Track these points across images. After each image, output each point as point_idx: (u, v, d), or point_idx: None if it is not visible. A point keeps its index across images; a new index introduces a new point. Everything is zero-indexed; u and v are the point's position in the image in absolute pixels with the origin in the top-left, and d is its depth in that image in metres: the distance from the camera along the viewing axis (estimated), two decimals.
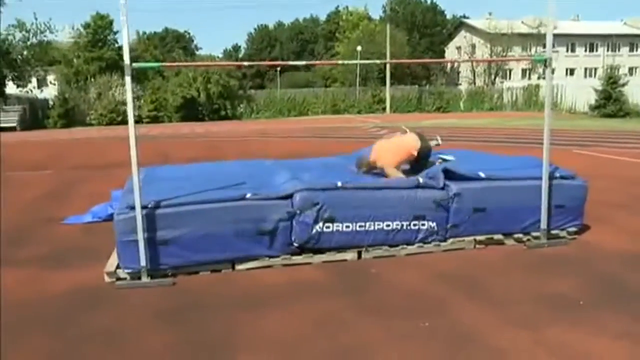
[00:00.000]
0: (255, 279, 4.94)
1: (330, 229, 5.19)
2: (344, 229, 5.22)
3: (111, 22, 47.89)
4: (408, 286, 4.71)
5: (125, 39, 4.51)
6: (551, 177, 5.65)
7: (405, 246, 5.44)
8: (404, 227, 5.38)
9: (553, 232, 5.77)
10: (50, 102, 37.23)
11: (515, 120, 27.35)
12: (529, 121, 26.06)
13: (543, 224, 5.62)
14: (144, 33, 63.09)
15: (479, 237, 5.63)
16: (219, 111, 37.53)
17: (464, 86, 48.82)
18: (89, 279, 4.98)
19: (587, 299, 4.31)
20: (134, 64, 4.62)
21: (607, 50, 55.46)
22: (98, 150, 17.83)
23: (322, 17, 73.18)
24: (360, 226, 5.26)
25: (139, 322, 4.07)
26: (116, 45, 49.30)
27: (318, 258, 5.25)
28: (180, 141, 20.70)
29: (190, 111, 36.97)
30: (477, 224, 5.56)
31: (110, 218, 6.01)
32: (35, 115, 35.33)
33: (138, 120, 35.73)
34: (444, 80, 51.12)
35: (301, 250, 5.23)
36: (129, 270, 4.85)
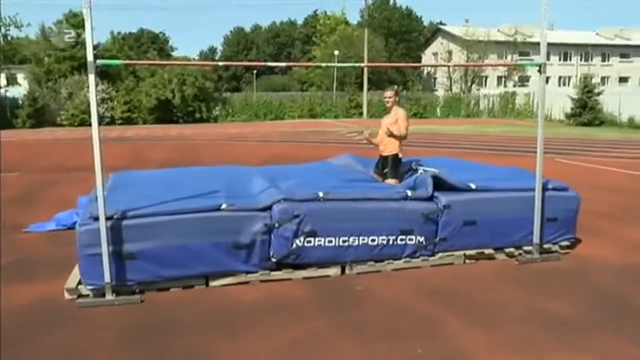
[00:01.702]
0: (231, 296, 4.56)
1: (312, 244, 4.83)
2: (326, 243, 4.87)
3: (84, 21, 46.86)
4: (394, 304, 4.39)
5: (88, 34, 4.10)
6: (544, 189, 5.38)
7: (391, 261, 5.11)
8: (391, 242, 5.05)
9: (545, 246, 5.50)
10: (20, 102, 36.14)
11: (492, 127, 27.34)
12: (506, 128, 26.09)
13: (535, 238, 5.35)
14: (119, 33, 61.94)
15: (469, 252, 5.33)
16: (193, 113, 36.83)
17: (440, 92, 48.90)
18: (49, 295, 4.55)
19: (585, 319, 4.04)
20: (98, 61, 4.21)
21: (580, 59, 56.17)
22: (68, 152, 17.20)
23: (300, 21, 72.91)
24: (343, 241, 4.92)
25: (98, 347, 3.66)
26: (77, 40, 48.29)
27: (298, 274, 4.89)
28: (154, 143, 20.14)
29: (164, 113, 36.21)
30: (467, 237, 5.26)
31: (75, 226, 5.56)
32: (3, 115, 34.21)
33: (111, 122, 35.19)
34: (421, 86, 51.15)
35: (280, 265, 4.86)
36: (92, 287, 4.43)
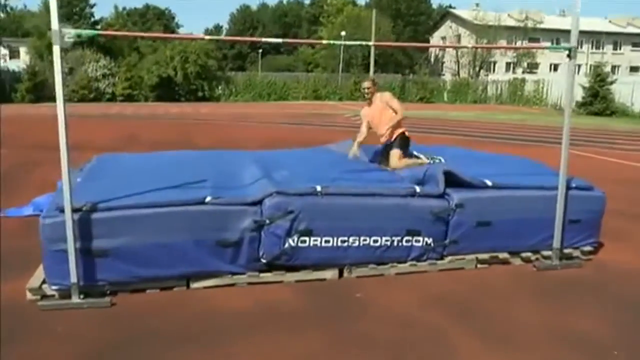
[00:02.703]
0: (214, 301, 4.05)
1: (307, 243, 4.30)
2: (323, 243, 4.34)
3: None
4: (398, 314, 3.89)
5: (52, 2, 3.51)
6: (567, 188, 4.83)
7: (395, 264, 4.58)
8: (395, 243, 4.52)
9: (565, 251, 4.96)
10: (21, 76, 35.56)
11: (500, 114, 26.69)
12: (514, 116, 25.46)
13: (556, 242, 4.81)
14: (124, 9, 61.07)
15: (481, 255, 4.80)
16: (196, 92, 36.26)
17: (447, 77, 48.11)
18: (9, 295, 4.03)
19: (621, 341, 3.51)
20: (65, 30, 3.65)
21: (592, 47, 55.11)
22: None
23: (307, 1, 71.76)
24: (342, 241, 4.38)
25: None
26: (92, 19, 47.67)
27: (291, 276, 4.37)
28: (152, 122, 19.59)
29: (166, 91, 35.63)
30: (481, 240, 4.73)
31: None
32: (2, 88, 33.66)
33: (112, 98, 34.65)
34: (427, 70, 50.38)
35: (271, 266, 4.34)
36: (57, 287, 3.92)
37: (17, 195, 7.26)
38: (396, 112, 5.90)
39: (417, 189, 4.66)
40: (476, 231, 4.69)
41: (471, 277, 4.64)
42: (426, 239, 4.60)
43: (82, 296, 3.91)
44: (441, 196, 4.65)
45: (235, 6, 77.43)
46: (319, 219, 4.31)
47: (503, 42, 49.26)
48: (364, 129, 6.19)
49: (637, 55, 56.06)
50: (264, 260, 4.29)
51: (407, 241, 4.55)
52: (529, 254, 4.92)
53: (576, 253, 5.04)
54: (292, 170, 5.15)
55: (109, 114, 23.39)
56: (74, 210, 3.84)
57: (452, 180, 4.75)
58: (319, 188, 4.38)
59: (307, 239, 4.30)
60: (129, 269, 4.02)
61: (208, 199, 4.17)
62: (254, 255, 4.27)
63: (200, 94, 36.35)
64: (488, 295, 4.28)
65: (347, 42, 5.05)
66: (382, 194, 4.54)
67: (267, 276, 4.33)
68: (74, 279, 3.84)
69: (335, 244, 4.38)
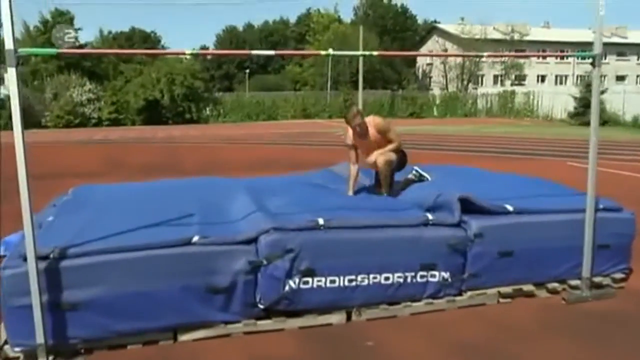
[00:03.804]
0: (206, 355, 3.52)
1: (309, 285, 3.78)
2: (328, 284, 3.82)
3: (72, 20, 45.79)
4: None
5: (6, 15, 3.01)
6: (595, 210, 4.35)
7: (409, 303, 4.07)
8: (408, 280, 4.00)
9: (595, 279, 4.47)
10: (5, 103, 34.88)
11: (492, 127, 26.36)
12: (506, 128, 25.11)
13: (585, 271, 4.32)
14: (110, 32, 60.60)
15: (503, 289, 4.29)
16: (183, 114, 35.69)
17: (436, 91, 47.94)
18: None
19: None
20: (21, 50, 3.14)
21: (577, 57, 55.32)
22: (44, 156, 16.02)
23: (293, 19, 71.74)
24: (349, 280, 3.87)
25: None
26: (77, 43, 47.15)
27: (293, 323, 3.83)
28: (138, 146, 19.02)
29: (153, 114, 35.04)
30: (503, 272, 4.22)
31: None
32: None
33: (98, 123, 34.01)
34: (416, 85, 50.17)
35: (270, 312, 3.81)
36: (21, 348, 3.37)
37: None
38: (392, 142, 5.31)
39: (430, 216, 4.17)
40: (498, 262, 4.19)
41: (494, 315, 4.13)
42: (442, 273, 4.09)
43: (51, 357, 3.36)
44: (457, 225, 4.16)
45: (221, 27, 77.21)
46: (323, 257, 3.80)
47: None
48: (354, 168, 5.37)
49: (622, 65, 56.30)
50: (261, 306, 3.76)
51: (421, 277, 4.04)
52: (555, 284, 4.42)
53: (607, 281, 4.55)
54: (289, 198, 4.66)
55: (94, 139, 22.80)
56: (40, 258, 3.31)
57: (468, 207, 4.26)
58: (321, 221, 3.87)
59: (309, 279, 3.78)
60: (106, 323, 3.48)
61: (195, 238, 3.64)
62: (250, 301, 3.74)
63: (187, 116, 35.80)
64: (513, 336, 3.78)
65: (337, 53, 4.65)
66: (392, 225, 4.04)
67: (266, 324, 3.80)
68: (40, 338, 3.29)
69: (341, 284, 3.86)
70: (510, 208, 4.30)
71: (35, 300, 3.25)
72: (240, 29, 71.95)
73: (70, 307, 3.41)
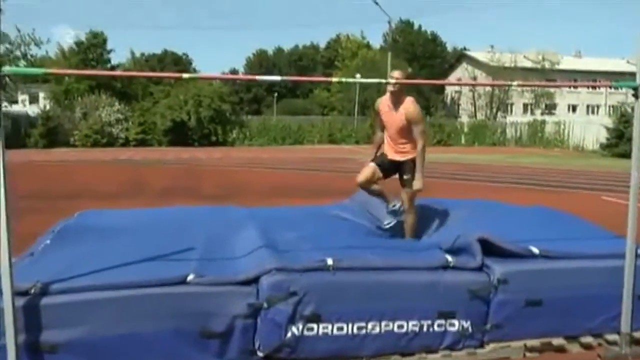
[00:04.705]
0: None
1: (315, 331, 3.44)
2: (335, 331, 3.47)
3: (105, 40, 46.70)
4: None
5: None
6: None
7: (424, 355, 3.68)
8: (425, 329, 3.62)
9: (636, 334, 4.02)
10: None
11: (521, 157, 25.76)
12: (536, 159, 24.49)
13: (624, 325, 3.88)
14: (142, 54, 61.70)
15: (530, 342, 3.87)
16: (209, 136, 35.81)
17: (464, 119, 47.44)
18: None
19: None
20: (6, 68, 2.92)
21: (611, 87, 54.44)
22: (65, 175, 16.07)
23: (322, 44, 72.19)
24: (359, 327, 3.51)
25: None
26: (109, 65, 48.02)
27: None
28: (161, 167, 18.98)
29: (179, 135, 35.23)
30: (530, 323, 3.82)
31: None
32: (17, 133, 33.48)
33: (125, 143, 34.31)
34: (444, 112, 49.71)
35: None
36: None
37: None
38: (417, 140, 4.97)
39: (450, 258, 3.80)
40: (524, 312, 3.79)
41: None
42: (462, 322, 3.71)
43: None
44: (479, 269, 3.78)
45: (251, 50, 78.04)
46: (330, 301, 3.45)
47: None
48: (378, 136, 5.36)
49: None
50: (260, 354, 3.42)
51: (439, 325, 3.66)
52: (589, 338, 3.99)
53: None
54: (299, 234, 4.35)
55: (119, 159, 22.89)
56: (18, 294, 3.04)
57: (491, 249, 3.89)
58: (330, 261, 3.54)
59: (314, 326, 3.43)
60: None
61: (190, 277, 3.34)
62: (248, 347, 3.41)
63: (213, 138, 35.91)
64: None
65: (348, 80, 4.49)
66: (408, 267, 3.68)
67: None
68: None
69: (350, 332, 3.50)
70: (536, 251, 3.90)
71: (10, 340, 2.97)
72: (270, 52, 72.64)
73: (50, 348, 3.13)
